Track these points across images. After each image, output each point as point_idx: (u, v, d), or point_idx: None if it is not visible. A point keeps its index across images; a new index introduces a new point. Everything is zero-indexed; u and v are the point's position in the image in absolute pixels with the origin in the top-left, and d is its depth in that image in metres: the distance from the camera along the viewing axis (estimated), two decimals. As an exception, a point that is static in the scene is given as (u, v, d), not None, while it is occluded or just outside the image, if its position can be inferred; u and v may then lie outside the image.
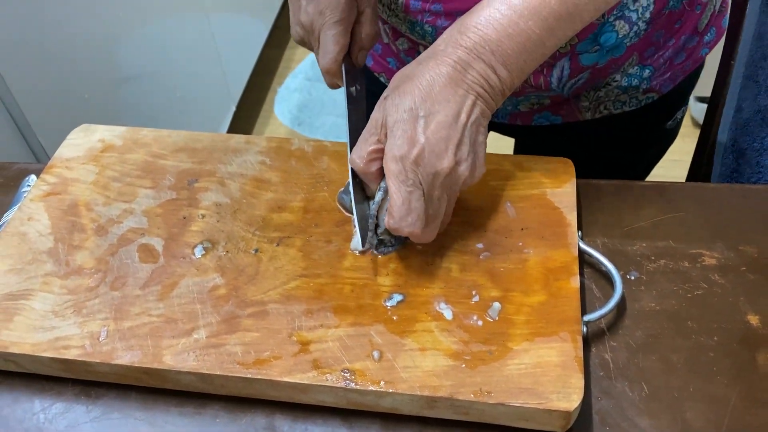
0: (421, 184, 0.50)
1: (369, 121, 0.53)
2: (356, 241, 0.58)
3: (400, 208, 0.51)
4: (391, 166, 0.50)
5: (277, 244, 0.59)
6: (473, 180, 0.54)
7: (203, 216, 0.61)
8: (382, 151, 0.51)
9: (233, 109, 1.72)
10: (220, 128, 1.67)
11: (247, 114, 1.86)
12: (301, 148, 0.66)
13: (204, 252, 0.58)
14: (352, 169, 0.55)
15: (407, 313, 0.54)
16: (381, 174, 0.53)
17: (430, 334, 0.53)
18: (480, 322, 0.53)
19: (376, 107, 0.53)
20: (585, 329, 0.53)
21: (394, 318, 0.54)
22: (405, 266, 0.57)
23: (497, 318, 0.53)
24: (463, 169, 0.52)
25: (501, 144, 0.80)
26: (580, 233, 0.59)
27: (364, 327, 0.53)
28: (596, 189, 0.63)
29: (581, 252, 0.58)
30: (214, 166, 0.64)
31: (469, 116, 0.52)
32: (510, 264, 0.57)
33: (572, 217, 0.59)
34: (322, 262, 0.57)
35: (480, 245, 0.58)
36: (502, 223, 0.59)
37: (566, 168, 0.62)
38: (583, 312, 0.55)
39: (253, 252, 0.58)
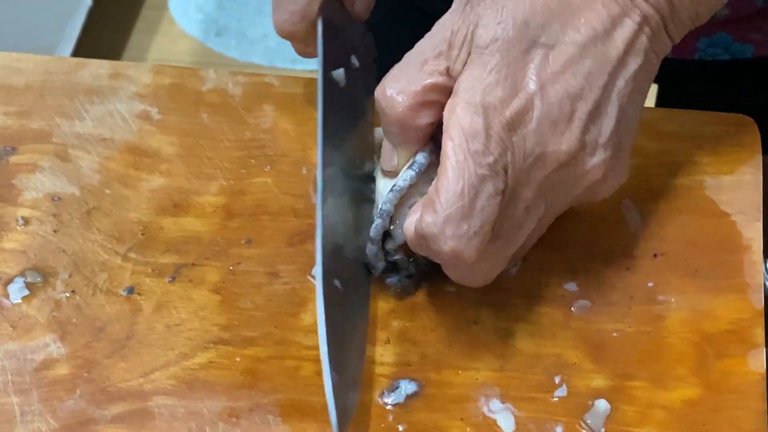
0: (505, 171, 0.51)
1: (434, 29, 0.53)
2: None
3: (455, 197, 0.51)
4: (461, 119, 0.51)
5: (172, 279, 0.59)
6: (606, 190, 0.55)
7: (25, 221, 0.62)
8: (449, 91, 0.52)
9: (89, 4, 1.72)
10: (61, 46, 1.67)
11: (114, 16, 1.86)
12: (221, 87, 0.66)
13: (27, 293, 0.59)
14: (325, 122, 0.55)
15: (426, 419, 0.54)
16: (429, 136, 0.54)
17: (471, 462, 0.53)
18: (569, 439, 0.54)
19: (452, 10, 0.53)
20: (777, 455, 0.54)
21: (400, 428, 0.54)
22: (423, 325, 0.57)
23: (603, 431, 0.54)
24: (595, 163, 0.53)
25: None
26: (768, 265, 0.60)
27: (340, 445, 0.54)
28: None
29: (771, 302, 0.59)
30: (49, 123, 0.65)
31: (625, 57, 0.52)
32: (630, 325, 0.57)
33: (754, 233, 0.59)
34: (260, 316, 0.58)
35: (572, 286, 0.59)
36: (617, 244, 0.60)
37: (745, 135, 0.62)
38: (774, 421, 0.56)
39: (125, 293, 0.59)
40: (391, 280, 0.58)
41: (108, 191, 0.62)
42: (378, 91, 0.54)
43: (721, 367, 0.55)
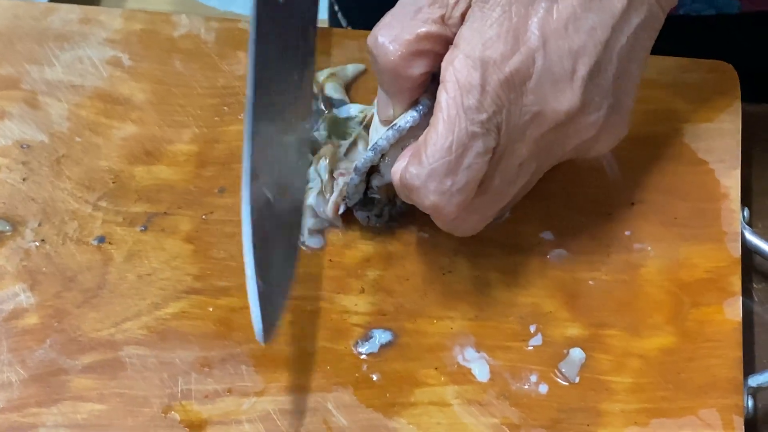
0: (498, 129, 0.51)
1: None
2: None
3: (441, 152, 0.51)
4: (458, 72, 0.50)
5: (144, 228, 0.59)
6: (601, 147, 0.55)
7: (-5, 169, 0.61)
8: (444, 40, 0.52)
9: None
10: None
11: (92, -40, 1.84)
12: (194, 32, 0.66)
13: (-4, 241, 0.59)
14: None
15: (399, 368, 0.55)
16: (426, 84, 0.54)
17: (445, 411, 0.54)
18: (544, 388, 0.54)
19: None
20: (751, 403, 0.54)
21: (374, 377, 0.55)
22: (397, 273, 0.58)
23: (577, 380, 0.54)
24: (589, 122, 0.53)
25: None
26: (746, 212, 0.60)
27: (313, 394, 0.54)
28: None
29: (748, 250, 0.59)
30: (18, 69, 0.65)
31: (628, 10, 0.52)
32: (606, 274, 0.57)
33: (732, 181, 0.60)
34: (233, 266, 0.58)
35: (548, 235, 0.59)
36: (594, 193, 0.60)
37: (725, 82, 0.63)
38: (749, 370, 0.56)
39: (96, 243, 0.59)
40: (359, 215, 0.58)
41: (78, 139, 0.62)
42: (370, 39, 0.53)
43: (697, 316, 0.56)
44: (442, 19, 0.52)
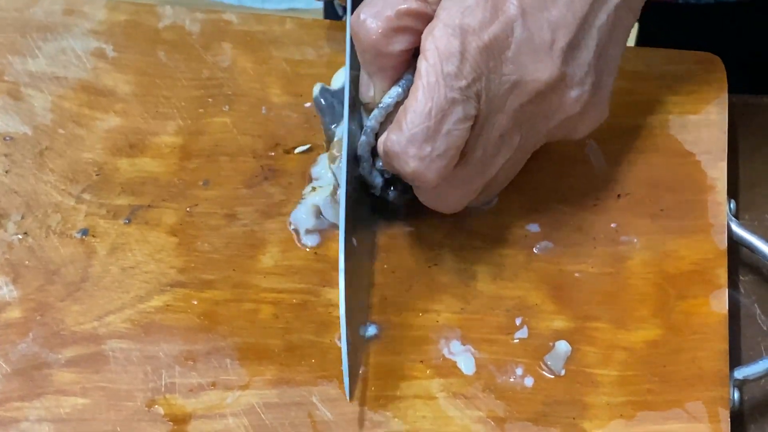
0: (478, 97, 0.51)
1: None
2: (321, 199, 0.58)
3: (421, 118, 0.52)
4: (438, 40, 0.51)
5: (128, 221, 0.59)
6: (585, 127, 0.56)
7: (-23, 161, 0.61)
8: (425, 17, 0.53)
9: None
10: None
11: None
12: (179, 23, 0.66)
13: (-22, 234, 0.59)
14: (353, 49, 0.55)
15: (385, 362, 0.55)
16: (406, 63, 0.54)
17: (430, 404, 0.54)
18: (529, 381, 0.54)
19: None
20: (737, 395, 0.54)
21: (360, 371, 0.54)
22: (383, 267, 0.58)
23: (563, 373, 0.54)
24: (573, 97, 0.54)
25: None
26: (732, 205, 0.60)
27: (298, 388, 0.54)
28: (770, 116, 0.64)
29: (735, 242, 0.59)
30: (1, 61, 0.64)
31: None
32: (592, 266, 0.57)
33: (718, 173, 0.60)
34: (217, 259, 0.58)
35: (534, 227, 0.59)
36: (580, 185, 0.60)
37: (711, 74, 0.63)
38: (735, 362, 0.56)
39: (79, 235, 0.59)
40: (391, 194, 0.58)
41: (61, 131, 0.62)
42: (352, 18, 0.54)
43: (683, 308, 0.56)
44: None
